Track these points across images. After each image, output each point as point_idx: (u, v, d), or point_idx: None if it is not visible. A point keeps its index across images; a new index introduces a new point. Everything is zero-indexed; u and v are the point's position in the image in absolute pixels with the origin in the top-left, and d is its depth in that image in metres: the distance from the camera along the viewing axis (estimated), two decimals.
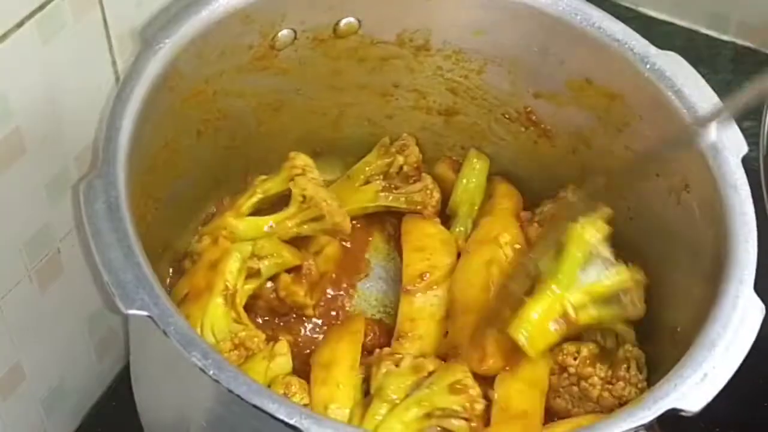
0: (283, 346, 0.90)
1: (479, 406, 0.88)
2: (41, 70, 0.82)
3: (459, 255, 1.05)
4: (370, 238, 1.11)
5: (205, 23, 0.91)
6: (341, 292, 1.06)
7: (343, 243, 1.08)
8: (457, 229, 1.09)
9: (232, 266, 0.93)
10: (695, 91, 0.93)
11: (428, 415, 0.88)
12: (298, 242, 1.02)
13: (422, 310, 1.00)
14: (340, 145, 1.12)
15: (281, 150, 1.08)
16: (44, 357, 0.96)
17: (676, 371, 0.78)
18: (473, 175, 1.10)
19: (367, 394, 0.91)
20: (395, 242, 1.10)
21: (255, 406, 0.71)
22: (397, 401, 0.88)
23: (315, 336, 1.02)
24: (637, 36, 0.96)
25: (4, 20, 0.76)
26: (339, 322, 1.03)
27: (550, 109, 1.04)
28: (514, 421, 0.89)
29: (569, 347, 0.93)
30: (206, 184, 1.05)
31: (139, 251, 0.77)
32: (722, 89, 1.37)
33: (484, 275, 0.99)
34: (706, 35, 1.43)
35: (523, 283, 0.92)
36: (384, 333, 1.02)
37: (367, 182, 1.10)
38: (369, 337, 1.00)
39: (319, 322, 1.03)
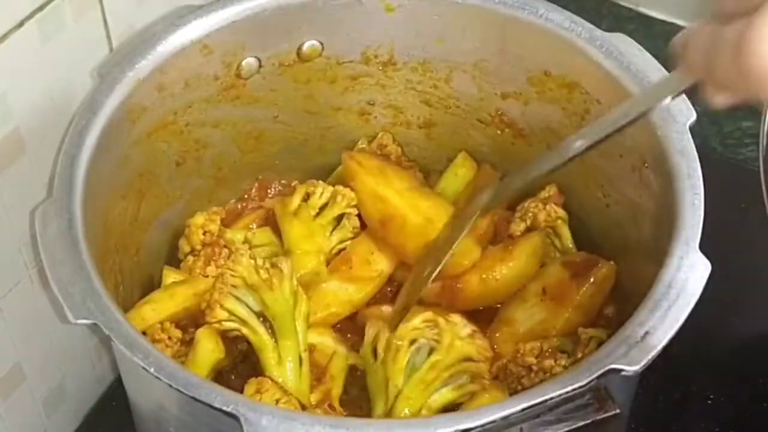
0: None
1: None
2: (41, 70, 0.86)
3: None
4: None
5: (161, 56, 0.95)
6: None
7: None
8: None
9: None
10: (643, 65, 0.94)
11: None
12: None
13: None
14: (329, 168, 1.14)
15: (270, 177, 1.12)
16: (44, 357, 0.99)
17: (618, 333, 0.77)
18: (455, 181, 1.12)
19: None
20: None
21: (194, 398, 0.74)
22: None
23: None
24: (583, 21, 0.97)
25: (4, 20, 0.80)
26: None
27: (519, 109, 1.06)
28: None
29: (528, 346, 0.94)
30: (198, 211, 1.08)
31: (91, 267, 0.81)
32: None
33: None
34: None
35: (428, 264, 0.95)
36: None
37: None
38: None
39: None
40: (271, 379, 0.88)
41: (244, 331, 0.91)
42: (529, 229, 1.05)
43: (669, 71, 0.93)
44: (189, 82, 0.99)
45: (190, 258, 1.03)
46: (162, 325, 0.93)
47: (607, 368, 0.74)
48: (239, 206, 1.12)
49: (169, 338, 0.92)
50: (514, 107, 1.06)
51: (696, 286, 0.79)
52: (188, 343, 0.93)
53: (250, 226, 1.08)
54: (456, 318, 0.93)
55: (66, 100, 0.90)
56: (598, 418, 0.75)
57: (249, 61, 1.02)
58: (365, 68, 1.07)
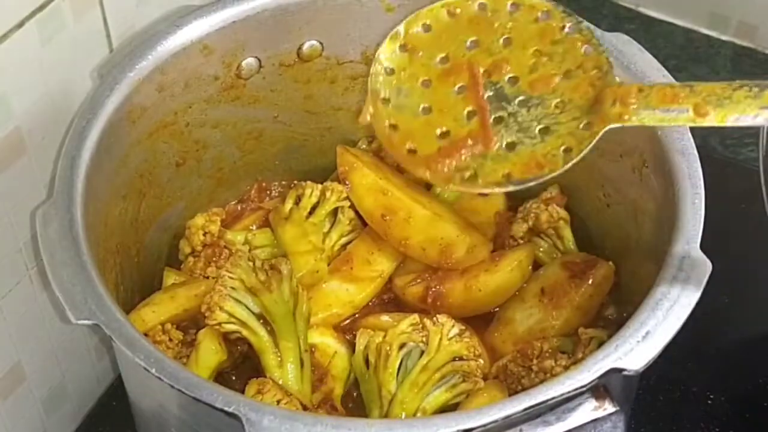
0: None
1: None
2: (41, 70, 0.86)
3: None
4: None
5: (162, 57, 0.95)
6: None
7: None
8: None
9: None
10: (643, 65, 0.94)
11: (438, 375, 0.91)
12: None
13: None
14: (329, 168, 1.14)
15: (271, 178, 1.12)
16: (44, 357, 0.99)
17: (619, 333, 0.77)
18: None
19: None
20: None
21: (195, 398, 0.74)
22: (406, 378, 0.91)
23: None
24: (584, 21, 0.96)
25: (4, 20, 0.80)
26: None
27: None
28: None
29: (528, 346, 0.94)
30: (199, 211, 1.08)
31: (92, 268, 0.81)
32: None
33: None
34: (706, 35, 1.43)
35: None
36: None
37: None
38: None
39: None
40: (273, 380, 0.89)
41: (245, 333, 0.91)
42: (531, 230, 1.05)
43: (669, 71, 0.93)
44: (189, 82, 0.99)
45: (191, 259, 1.03)
46: (163, 326, 0.93)
47: (608, 368, 0.74)
48: (239, 207, 1.12)
49: (170, 340, 0.92)
50: None
51: (696, 285, 0.79)
52: (189, 344, 0.93)
53: (251, 227, 1.08)
54: (443, 318, 0.93)
55: (66, 101, 0.90)
56: (599, 417, 0.75)
57: (249, 62, 1.02)
58: (365, 68, 1.07)
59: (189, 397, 0.74)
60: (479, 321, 1.02)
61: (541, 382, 0.89)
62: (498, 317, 1.02)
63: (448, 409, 0.92)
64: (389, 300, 1.05)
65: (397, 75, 0.84)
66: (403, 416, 0.90)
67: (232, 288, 0.92)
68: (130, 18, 0.94)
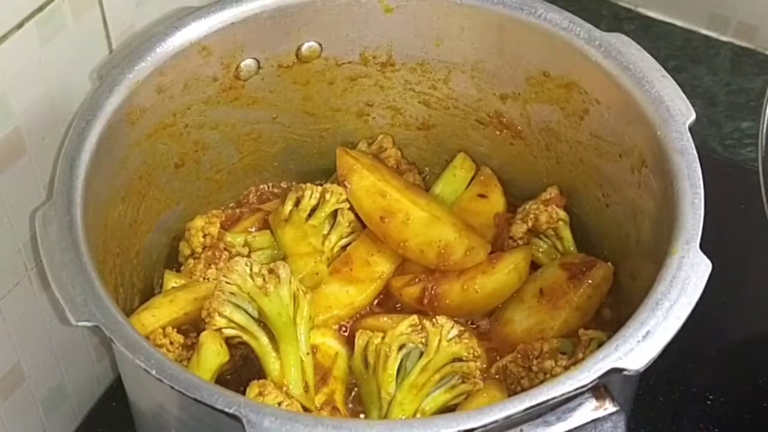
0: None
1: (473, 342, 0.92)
2: (41, 70, 0.86)
3: None
4: None
5: (161, 58, 0.95)
6: None
7: None
8: None
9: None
10: (642, 65, 0.94)
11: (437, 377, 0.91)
12: None
13: None
14: (329, 170, 1.14)
15: (268, 179, 1.13)
16: (44, 357, 0.99)
17: (619, 333, 0.77)
18: (454, 182, 1.12)
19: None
20: None
21: (196, 400, 0.74)
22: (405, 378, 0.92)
23: None
24: (582, 21, 0.97)
25: (4, 21, 0.80)
26: None
27: (518, 109, 1.06)
28: None
29: (530, 346, 0.94)
30: (198, 213, 1.08)
31: (92, 269, 0.81)
32: (721, 89, 1.38)
33: None
34: (706, 36, 1.43)
35: None
36: None
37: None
38: None
39: None
40: (274, 383, 0.88)
41: (245, 337, 0.91)
42: (530, 231, 1.05)
43: (668, 71, 0.93)
44: (188, 83, 0.99)
45: (191, 261, 1.03)
46: (163, 330, 0.93)
47: (608, 368, 0.74)
48: (238, 209, 1.12)
49: (171, 343, 0.92)
50: (513, 108, 1.06)
51: (697, 285, 0.79)
52: (190, 347, 0.93)
53: (250, 229, 1.08)
54: (442, 320, 0.93)
55: (66, 101, 0.90)
56: (599, 417, 0.75)
57: (248, 63, 1.02)
58: (364, 69, 1.07)
59: (189, 398, 0.74)
60: (478, 321, 1.03)
61: (541, 382, 0.89)
62: (497, 318, 1.03)
63: (447, 410, 0.92)
64: (389, 301, 1.05)
65: None
66: (402, 418, 0.90)
67: (231, 293, 0.91)
68: (130, 19, 0.94)
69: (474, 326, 1.03)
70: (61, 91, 0.89)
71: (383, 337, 0.93)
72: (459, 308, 1.01)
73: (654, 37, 1.42)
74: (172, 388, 0.74)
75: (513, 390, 0.93)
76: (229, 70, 1.01)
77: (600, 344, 0.88)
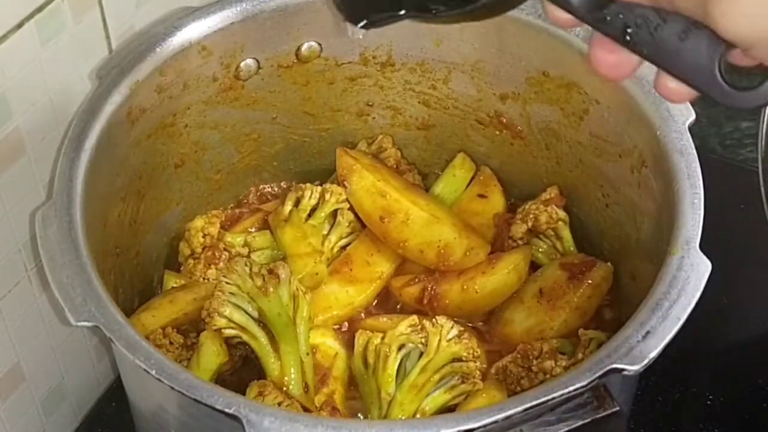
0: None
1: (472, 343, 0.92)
2: (41, 70, 0.86)
3: None
4: None
5: (161, 58, 0.95)
6: None
7: None
8: None
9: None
10: (642, 66, 0.93)
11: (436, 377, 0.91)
12: None
13: None
14: (328, 170, 1.14)
15: (268, 180, 1.13)
16: (44, 357, 0.99)
17: (619, 333, 0.77)
18: (454, 182, 1.12)
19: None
20: None
21: (196, 400, 0.74)
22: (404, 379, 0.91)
23: None
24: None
25: (4, 21, 0.80)
26: None
27: (517, 109, 1.06)
28: None
29: (529, 346, 0.94)
30: (197, 213, 1.08)
31: (92, 269, 0.81)
32: None
33: None
34: None
35: None
36: None
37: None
38: None
39: None
40: (274, 383, 0.88)
41: (245, 337, 0.91)
42: (530, 231, 1.05)
43: None
44: (188, 83, 0.99)
45: (191, 261, 1.03)
46: (163, 330, 0.93)
47: (608, 368, 0.74)
48: (238, 209, 1.12)
49: (171, 343, 0.92)
50: (513, 108, 1.06)
51: (697, 285, 0.79)
52: (190, 348, 0.93)
53: (250, 230, 1.08)
54: (442, 320, 0.93)
55: (65, 101, 0.90)
56: (598, 416, 0.75)
57: (248, 63, 1.02)
58: (364, 69, 1.07)
59: (189, 398, 0.74)
60: (476, 322, 1.03)
61: (541, 382, 0.90)
62: (497, 318, 1.03)
63: (447, 410, 0.92)
64: (389, 301, 1.05)
65: None
66: (402, 418, 0.89)
67: (231, 293, 0.91)
68: (129, 19, 0.94)
69: (472, 326, 1.02)
70: (61, 91, 0.89)
71: (383, 337, 0.93)
72: (459, 308, 1.01)
73: None
74: (172, 388, 0.74)
75: (513, 390, 0.93)
76: (229, 70, 1.02)
77: (600, 344, 0.88)
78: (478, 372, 0.92)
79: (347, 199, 1.05)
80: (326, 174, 1.13)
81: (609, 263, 1.01)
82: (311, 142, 1.13)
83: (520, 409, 0.72)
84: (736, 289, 1.13)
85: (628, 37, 0.59)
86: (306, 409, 0.90)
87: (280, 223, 1.05)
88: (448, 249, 1.02)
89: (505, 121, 1.07)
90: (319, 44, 1.04)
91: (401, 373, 0.92)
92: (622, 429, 0.85)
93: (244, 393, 0.88)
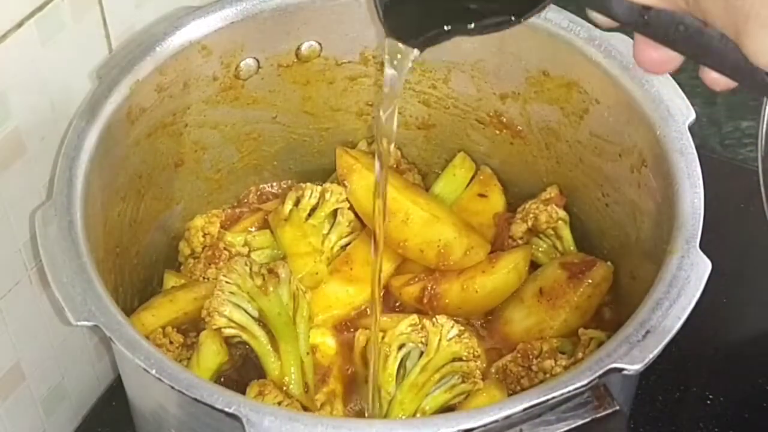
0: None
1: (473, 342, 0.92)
2: (41, 70, 0.86)
3: None
4: None
5: (161, 57, 0.95)
6: None
7: None
8: None
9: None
10: None
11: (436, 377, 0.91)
12: None
13: None
14: (328, 170, 1.14)
15: (268, 179, 1.13)
16: (44, 357, 0.99)
17: (619, 333, 0.77)
18: (454, 182, 1.12)
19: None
20: None
21: (196, 399, 0.74)
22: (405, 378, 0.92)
23: None
24: (582, 21, 0.97)
25: (4, 20, 0.80)
26: None
27: (517, 109, 1.06)
28: None
29: (530, 345, 0.94)
30: (197, 213, 1.08)
31: (92, 269, 0.81)
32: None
33: None
34: None
35: None
36: None
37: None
38: None
39: None
40: (274, 382, 0.88)
41: (245, 336, 0.91)
42: (530, 231, 1.05)
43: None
44: (188, 83, 0.99)
45: (191, 260, 1.03)
46: (163, 330, 0.93)
47: (608, 368, 0.74)
48: (238, 209, 1.12)
49: (171, 343, 0.93)
50: (513, 107, 1.06)
51: (697, 285, 0.79)
52: (190, 347, 0.93)
53: (250, 229, 1.08)
54: (442, 319, 0.93)
55: (65, 101, 0.90)
56: (598, 416, 0.75)
57: (248, 62, 1.02)
58: (364, 69, 1.07)
59: (189, 398, 0.74)
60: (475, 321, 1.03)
61: (541, 382, 0.90)
62: (497, 317, 1.03)
63: (447, 410, 0.92)
64: (389, 301, 1.05)
65: None
66: (402, 417, 0.90)
67: (231, 293, 0.92)
68: (129, 19, 0.94)
69: (470, 325, 1.02)
70: (61, 91, 0.89)
71: (383, 337, 0.93)
72: (458, 307, 1.01)
73: None
74: (172, 387, 0.74)
75: (513, 390, 0.93)
76: (229, 70, 1.01)
77: (600, 344, 0.88)
78: (478, 371, 0.92)
79: (347, 199, 1.05)
80: (326, 173, 1.13)
81: (609, 263, 1.01)
82: (311, 142, 1.13)
83: (520, 408, 0.72)
84: (736, 289, 1.13)
85: (670, 39, 0.59)
86: (306, 409, 0.90)
87: (280, 222, 1.05)
88: (448, 248, 1.02)
89: (505, 120, 1.07)
90: (319, 44, 1.04)
91: (401, 372, 0.92)
92: (622, 429, 0.85)
93: (244, 393, 0.88)
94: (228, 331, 0.91)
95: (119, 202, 0.96)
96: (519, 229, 1.05)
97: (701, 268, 0.80)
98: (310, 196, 1.05)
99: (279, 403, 0.86)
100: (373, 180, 1.03)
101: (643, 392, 1.07)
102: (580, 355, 0.91)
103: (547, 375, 0.91)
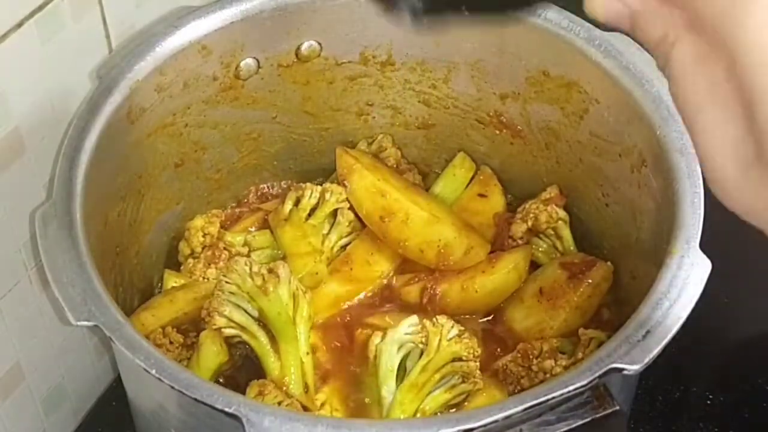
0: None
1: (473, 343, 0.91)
2: (41, 70, 0.86)
3: None
4: None
5: (160, 57, 0.95)
6: None
7: None
8: None
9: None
10: (642, 65, 0.93)
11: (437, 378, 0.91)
12: None
13: None
14: (328, 170, 1.14)
15: (268, 179, 1.13)
16: (44, 357, 0.99)
17: (619, 332, 0.77)
18: (454, 182, 1.12)
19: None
20: None
21: (196, 399, 0.74)
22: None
23: None
24: (582, 21, 0.97)
25: (4, 20, 0.80)
26: None
27: (517, 109, 1.06)
28: None
29: (530, 345, 0.94)
30: (197, 213, 1.08)
31: (92, 269, 0.81)
32: None
33: None
34: None
35: None
36: None
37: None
38: None
39: None
40: (274, 382, 0.88)
41: (245, 337, 0.91)
42: (530, 230, 1.05)
43: None
44: (188, 83, 0.99)
45: (191, 260, 1.03)
46: (163, 330, 0.93)
47: (608, 368, 0.74)
48: (238, 209, 1.12)
49: (171, 343, 0.93)
50: (513, 107, 1.06)
51: (697, 285, 0.79)
52: (190, 347, 0.93)
53: (250, 229, 1.08)
54: (442, 319, 0.93)
55: (65, 101, 0.90)
56: (598, 416, 0.75)
57: (248, 62, 1.02)
58: (364, 69, 1.07)
59: (189, 397, 0.74)
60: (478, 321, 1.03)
61: (541, 382, 0.90)
62: (497, 317, 1.03)
63: (447, 409, 0.92)
64: (389, 301, 1.05)
65: None
66: (402, 417, 0.90)
67: (231, 293, 0.92)
68: (129, 19, 0.94)
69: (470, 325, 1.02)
70: (61, 90, 0.89)
71: (383, 337, 0.93)
72: (459, 307, 1.01)
73: None
74: (172, 387, 0.74)
75: (513, 390, 0.93)
76: (229, 70, 1.01)
77: (600, 344, 0.88)
78: (478, 372, 0.92)
79: (347, 199, 1.05)
80: (326, 173, 1.13)
81: (609, 263, 1.01)
82: (311, 142, 1.13)
83: (520, 408, 0.72)
84: (736, 289, 1.13)
85: None
86: (306, 409, 0.90)
87: (280, 222, 1.05)
88: (448, 248, 1.02)
89: (505, 120, 1.07)
90: (319, 43, 1.04)
91: (401, 372, 0.92)
92: (622, 429, 0.85)
93: (244, 393, 0.88)
94: (228, 331, 0.91)
95: (119, 202, 0.96)
96: (519, 229, 1.05)
97: (701, 268, 0.80)
98: (310, 196, 1.05)
99: (279, 403, 0.86)
100: (373, 180, 1.03)
101: (643, 392, 1.07)
102: (580, 355, 0.91)
103: (547, 375, 0.91)
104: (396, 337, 0.92)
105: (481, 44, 1.03)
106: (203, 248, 1.04)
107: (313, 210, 1.05)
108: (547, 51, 0.99)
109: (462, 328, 0.93)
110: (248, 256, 1.03)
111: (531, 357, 0.93)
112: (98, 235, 0.89)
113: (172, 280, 1.02)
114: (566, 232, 1.06)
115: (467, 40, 1.03)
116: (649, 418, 1.07)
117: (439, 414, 0.90)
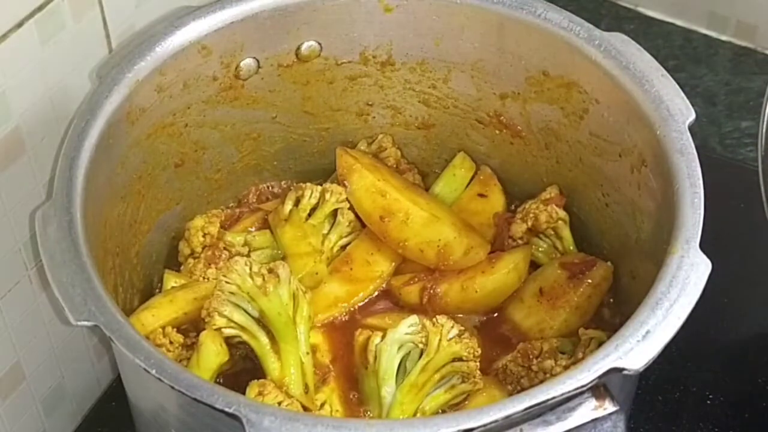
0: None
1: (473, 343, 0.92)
2: (41, 70, 0.86)
3: None
4: None
5: (160, 57, 0.95)
6: None
7: None
8: None
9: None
10: (642, 65, 0.94)
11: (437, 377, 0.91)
12: None
13: None
14: (328, 170, 1.14)
15: (268, 179, 1.13)
16: (44, 357, 0.99)
17: (619, 333, 0.77)
18: (454, 182, 1.12)
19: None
20: None
21: (196, 400, 0.74)
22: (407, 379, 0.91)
23: None
24: (582, 21, 0.97)
25: (4, 20, 0.80)
26: None
27: (517, 109, 1.06)
28: None
29: (530, 345, 0.94)
30: (197, 213, 1.08)
31: (92, 269, 0.81)
32: (720, 89, 1.38)
33: None
34: (705, 35, 1.43)
35: None
36: None
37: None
38: None
39: None
40: (274, 382, 0.88)
41: (245, 337, 0.91)
42: (530, 231, 1.05)
43: (667, 71, 0.93)
44: (188, 83, 0.99)
45: (191, 260, 1.03)
46: (163, 330, 0.93)
47: (608, 368, 0.74)
48: (238, 209, 1.12)
49: (171, 343, 0.92)
50: (513, 107, 1.06)
51: (697, 285, 0.79)
52: (190, 347, 0.93)
53: (250, 229, 1.08)
54: (442, 319, 0.93)
55: (65, 101, 0.90)
56: (598, 416, 0.75)
57: (248, 62, 1.02)
58: (364, 69, 1.07)
59: (189, 398, 0.74)
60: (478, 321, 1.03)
61: (541, 382, 0.89)
62: (497, 317, 1.03)
63: (447, 410, 0.92)
64: (389, 301, 1.05)
65: None
66: (402, 417, 0.90)
67: (231, 293, 0.91)
68: (129, 19, 0.94)
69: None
70: (61, 90, 0.89)
71: (383, 337, 0.93)
72: (458, 307, 1.01)
73: (654, 36, 1.42)
74: (172, 388, 0.74)
75: (513, 390, 0.93)
76: (229, 70, 1.02)
77: (600, 344, 0.88)
78: (478, 372, 0.92)
79: (347, 199, 1.05)
80: (326, 173, 1.13)
81: (609, 263, 1.01)
82: (311, 142, 1.13)
83: (520, 408, 0.72)
84: (736, 289, 1.13)
85: None
86: (306, 409, 0.90)
87: (280, 222, 1.05)
88: (448, 248, 1.02)
89: (504, 120, 1.07)
90: (319, 44, 1.04)
91: (401, 372, 0.92)
92: (622, 429, 0.85)
93: (244, 393, 0.88)
94: (228, 331, 0.91)
95: (119, 202, 0.96)
96: (519, 229, 1.05)
97: (701, 268, 0.80)
98: (310, 196, 1.05)
99: (279, 403, 0.86)
100: (373, 180, 1.03)
101: (643, 392, 1.07)
102: (580, 355, 0.91)
103: (547, 375, 0.91)
104: (396, 337, 0.92)
105: (481, 44, 1.03)
106: (203, 248, 1.04)
107: (313, 210, 1.05)
108: (547, 51, 0.99)
109: (462, 328, 0.93)
110: (248, 256, 1.03)
111: (531, 357, 0.93)
112: (98, 235, 0.89)
113: (172, 280, 1.02)
114: (566, 232, 1.06)
115: (467, 40, 1.03)
116: (649, 418, 1.07)
117: (439, 414, 0.90)
